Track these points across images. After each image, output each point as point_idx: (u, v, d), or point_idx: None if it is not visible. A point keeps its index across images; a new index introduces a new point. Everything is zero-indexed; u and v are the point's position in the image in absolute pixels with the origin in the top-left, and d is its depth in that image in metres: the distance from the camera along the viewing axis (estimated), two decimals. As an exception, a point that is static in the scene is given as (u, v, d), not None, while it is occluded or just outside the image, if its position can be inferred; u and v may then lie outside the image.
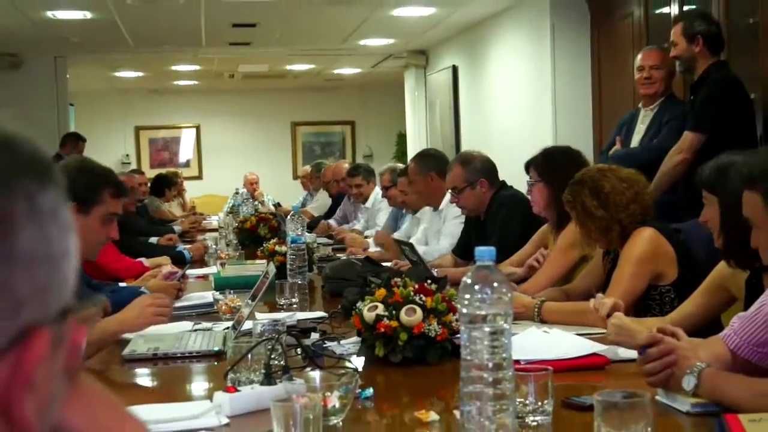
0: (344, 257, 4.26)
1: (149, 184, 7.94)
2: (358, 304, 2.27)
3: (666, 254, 2.64)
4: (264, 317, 2.58)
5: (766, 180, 1.78)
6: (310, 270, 3.66)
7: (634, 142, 4.18)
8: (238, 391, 1.81)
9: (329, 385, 1.70)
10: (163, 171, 9.75)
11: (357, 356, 2.19)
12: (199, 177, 13.23)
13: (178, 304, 3.18)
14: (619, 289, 2.57)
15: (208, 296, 3.22)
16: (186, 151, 13.51)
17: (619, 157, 3.94)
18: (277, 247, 3.85)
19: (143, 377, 2.30)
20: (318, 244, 4.97)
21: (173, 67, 10.83)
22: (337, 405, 1.68)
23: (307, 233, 3.79)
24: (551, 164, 3.25)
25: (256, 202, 7.77)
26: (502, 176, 4.00)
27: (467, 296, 1.39)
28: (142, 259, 4.28)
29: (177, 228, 6.74)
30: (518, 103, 7.11)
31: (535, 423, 1.64)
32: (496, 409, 1.37)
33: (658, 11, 5.16)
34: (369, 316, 2.17)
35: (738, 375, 1.73)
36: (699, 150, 3.66)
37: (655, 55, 4.19)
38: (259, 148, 13.16)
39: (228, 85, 12.63)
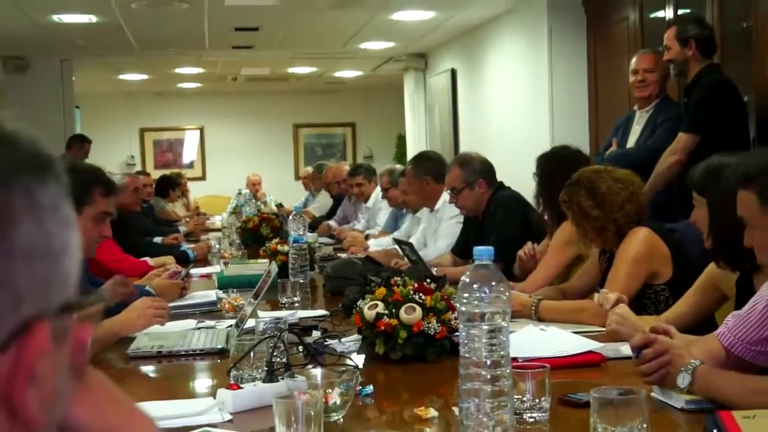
0: (345, 256, 4.30)
1: (154, 185, 7.96)
2: (358, 303, 2.28)
3: (661, 254, 2.66)
4: (266, 315, 2.60)
5: (761, 179, 1.78)
6: (311, 269, 3.68)
7: (630, 143, 4.20)
8: (241, 388, 1.83)
9: (330, 382, 1.72)
10: (167, 172, 9.75)
11: (357, 354, 2.19)
12: (203, 178, 13.27)
13: (182, 302, 3.20)
14: (615, 288, 2.58)
15: (212, 295, 3.24)
16: (190, 153, 13.54)
17: (615, 157, 3.98)
18: (279, 247, 3.87)
19: (148, 374, 2.31)
20: (319, 243, 5.00)
21: (177, 70, 10.84)
22: (338, 402, 1.70)
23: (308, 233, 3.82)
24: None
25: (259, 203, 7.79)
26: (499, 177, 4.03)
27: (466, 295, 1.40)
28: (147, 258, 4.30)
29: (182, 229, 6.77)
30: (516, 105, 7.13)
31: (532, 419, 1.66)
32: (494, 405, 1.39)
33: (652, 15, 5.19)
34: (369, 314, 2.19)
35: (731, 372, 1.74)
36: (693, 151, 3.69)
37: (649, 58, 4.22)
38: (262, 150, 13.19)
39: (231, 87, 12.65)
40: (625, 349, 2.10)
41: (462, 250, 4.00)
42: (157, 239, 5.68)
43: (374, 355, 2.17)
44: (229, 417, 1.77)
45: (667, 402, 1.76)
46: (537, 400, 1.66)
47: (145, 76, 11.35)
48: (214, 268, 4.30)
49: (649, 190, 3.35)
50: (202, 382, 2.26)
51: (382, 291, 2.24)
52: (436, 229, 4.49)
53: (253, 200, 7.19)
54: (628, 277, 2.64)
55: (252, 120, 13.37)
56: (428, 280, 2.28)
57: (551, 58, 6.30)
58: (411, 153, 9.32)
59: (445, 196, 4.25)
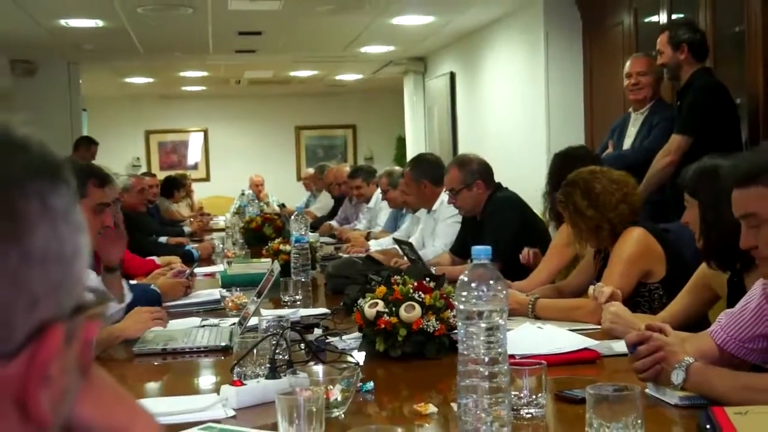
0: (346, 256, 4.33)
1: (159, 186, 7.99)
2: (359, 301, 2.30)
3: (655, 253, 2.69)
4: (269, 313, 2.60)
5: None
6: (313, 268, 3.69)
7: (626, 145, 4.24)
8: (244, 384, 1.85)
9: (331, 378, 1.74)
10: (172, 173, 9.78)
11: (358, 351, 2.21)
12: (207, 179, 13.30)
13: (186, 300, 3.23)
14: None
15: (216, 293, 3.27)
16: (194, 154, 13.59)
17: (611, 159, 4.01)
18: (281, 246, 3.90)
19: (153, 371, 2.33)
20: (321, 243, 5.03)
21: (182, 74, 10.87)
22: (339, 398, 1.72)
23: (310, 233, 3.85)
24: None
25: (262, 203, 7.80)
26: (497, 178, 4.05)
27: (464, 293, 1.42)
28: (153, 258, 4.33)
29: (186, 229, 6.80)
30: (513, 107, 7.16)
31: (529, 415, 1.67)
32: (491, 401, 1.41)
33: (647, 20, 5.22)
34: (370, 312, 2.21)
35: (724, 369, 1.76)
36: (686, 153, 3.72)
37: (642, 62, 4.25)
38: (265, 151, 13.24)
39: (234, 90, 12.69)
40: (619, 347, 2.12)
41: (460, 250, 4.03)
42: (163, 239, 5.72)
43: (374, 353, 2.19)
44: (232, 413, 1.79)
45: (661, 398, 1.77)
46: (534, 397, 1.68)
47: (150, 80, 11.39)
48: (218, 267, 4.32)
49: (643, 190, 3.39)
50: (206, 379, 2.26)
51: (382, 289, 2.26)
52: (433, 230, 4.52)
53: (256, 201, 7.20)
54: (623, 276, 2.66)
55: (255, 122, 13.42)
56: (427, 279, 2.29)
57: (547, 62, 6.34)
58: (411, 154, 9.34)
59: (443, 197, 4.28)
